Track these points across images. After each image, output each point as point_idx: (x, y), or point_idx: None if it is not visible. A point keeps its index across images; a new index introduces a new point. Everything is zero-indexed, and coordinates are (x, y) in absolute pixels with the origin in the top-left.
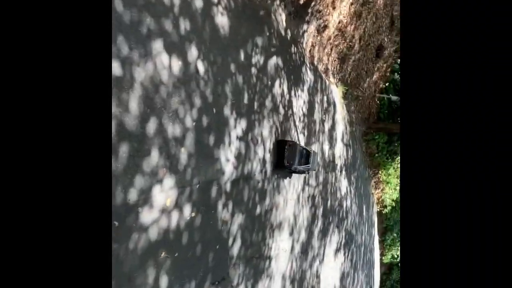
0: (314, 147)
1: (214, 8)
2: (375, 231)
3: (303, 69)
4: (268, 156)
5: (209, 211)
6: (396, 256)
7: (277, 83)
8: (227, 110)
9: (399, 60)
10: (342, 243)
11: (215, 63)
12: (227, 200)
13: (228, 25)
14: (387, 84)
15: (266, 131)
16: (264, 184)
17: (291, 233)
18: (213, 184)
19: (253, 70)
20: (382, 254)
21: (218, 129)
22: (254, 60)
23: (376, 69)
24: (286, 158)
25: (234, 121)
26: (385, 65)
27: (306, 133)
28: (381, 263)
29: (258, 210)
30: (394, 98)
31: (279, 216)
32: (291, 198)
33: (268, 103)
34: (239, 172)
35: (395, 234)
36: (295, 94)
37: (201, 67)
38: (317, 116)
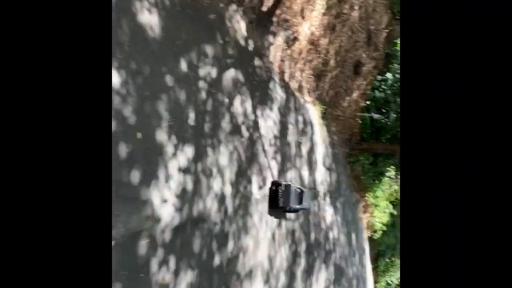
0: (290, 174)
1: (136, 3)
2: (367, 259)
3: (271, 85)
4: (229, 190)
5: (134, 275)
6: (390, 282)
7: (237, 100)
8: (161, 135)
9: (379, 76)
10: (332, 280)
11: (140, 73)
12: (166, 255)
13: (159, 26)
14: (368, 103)
15: (224, 158)
16: (224, 225)
17: (267, 281)
18: (140, 237)
19: (202, 84)
20: (376, 282)
21: (147, 160)
22: (202, 72)
23: (355, 87)
24: (281, 198)
25: (174, 148)
26: (364, 82)
27: (278, 158)
28: None
29: (216, 260)
30: (376, 116)
31: (248, 263)
32: (264, 237)
33: (225, 124)
34: (185, 214)
35: (387, 260)
36: (262, 114)
37: (115, 79)
38: (291, 138)
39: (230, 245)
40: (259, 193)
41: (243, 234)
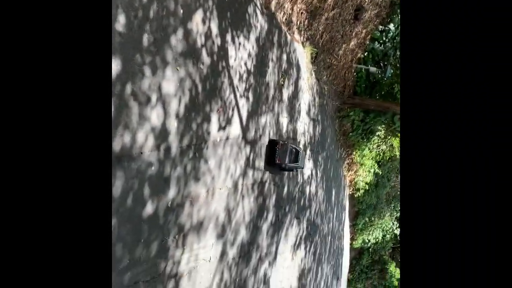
0: (265, 118)
1: None
2: (346, 216)
3: (250, 10)
4: (173, 125)
5: None
6: (367, 240)
7: (198, 15)
8: None
9: (380, 26)
10: (303, 237)
11: None
12: None
13: None
14: (365, 54)
15: (170, 85)
16: (164, 167)
17: (221, 235)
18: None
19: None
20: (352, 239)
21: None
22: None
23: (353, 34)
24: (278, 156)
25: None
26: (364, 31)
27: (251, 98)
28: (351, 248)
29: (148, 209)
30: (372, 69)
31: (197, 214)
32: (222, 186)
33: (175, 41)
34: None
35: (367, 219)
36: (233, 40)
37: None
38: (271, 78)
39: (172, 192)
40: (219, 135)
41: (192, 181)
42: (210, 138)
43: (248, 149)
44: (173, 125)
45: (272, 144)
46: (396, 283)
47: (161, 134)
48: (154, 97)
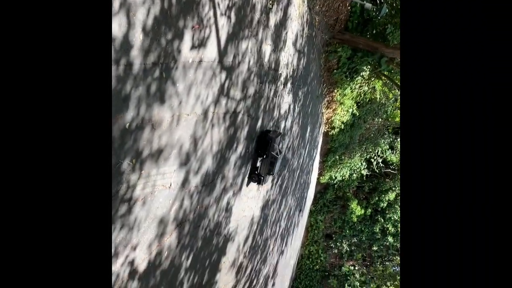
0: (246, 44)
1: None
2: (317, 153)
3: None
4: (138, 39)
5: None
6: (334, 177)
7: None
8: None
9: None
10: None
11: None
12: None
13: None
14: None
15: None
16: (123, 85)
17: (184, 163)
18: None
19: None
20: (320, 174)
21: None
22: None
23: None
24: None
25: None
26: None
27: (233, 19)
28: (318, 183)
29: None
30: (368, 6)
31: (158, 140)
32: (189, 113)
33: None
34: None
35: (337, 157)
36: None
37: None
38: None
39: (130, 113)
40: (192, 56)
41: (156, 103)
42: (181, 58)
43: (223, 75)
44: (137, 38)
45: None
46: (355, 219)
47: (122, 47)
48: (116, 3)
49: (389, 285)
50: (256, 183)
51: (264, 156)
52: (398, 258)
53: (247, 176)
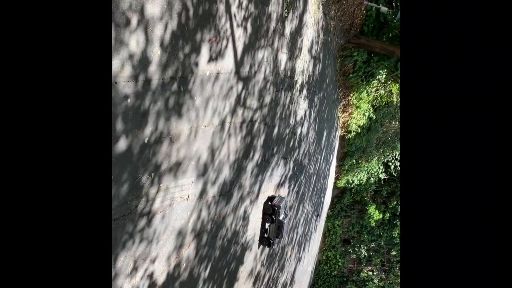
0: (263, 53)
1: None
2: (334, 157)
3: None
4: (157, 53)
5: None
6: (351, 181)
7: None
8: None
9: None
10: (288, 176)
11: None
12: None
13: None
14: None
15: (155, 7)
16: (143, 101)
17: (202, 174)
18: None
19: None
20: (337, 179)
21: None
22: None
23: None
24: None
25: None
26: None
27: (249, 29)
28: (335, 187)
29: (121, 146)
30: (383, 9)
31: (177, 153)
32: (207, 124)
33: None
34: None
35: (354, 161)
36: None
37: None
38: (273, 8)
39: (149, 128)
40: (209, 69)
41: (174, 117)
42: (198, 72)
43: (240, 85)
44: (155, 53)
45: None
46: (373, 224)
47: (141, 63)
48: (134, 20)
49: None
50: (267, 246)
51: (272, 222)
52: None
53: (258, 239)
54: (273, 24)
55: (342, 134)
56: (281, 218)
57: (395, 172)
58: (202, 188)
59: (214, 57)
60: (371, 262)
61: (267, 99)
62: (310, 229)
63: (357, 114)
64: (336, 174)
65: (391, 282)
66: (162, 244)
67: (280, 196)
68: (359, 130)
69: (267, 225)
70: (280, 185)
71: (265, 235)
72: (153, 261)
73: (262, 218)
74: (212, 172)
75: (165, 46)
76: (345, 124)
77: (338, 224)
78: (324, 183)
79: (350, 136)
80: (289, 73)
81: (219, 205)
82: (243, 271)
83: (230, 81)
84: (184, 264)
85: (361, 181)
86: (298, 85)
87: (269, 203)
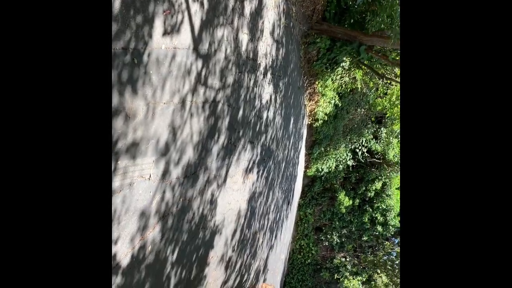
0: (222, 31)
1: None
2: (302, 145)
3: None
4: None
5: None
6: (321, 169)
7: None
8: None
9: None
10: (256, 161)
11: None
12: None
13: None
14: None
15: None
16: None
17: (163, 154)
18: None
19: None
20: (306, 167)
21: None
22: None
23: None
24: None
25: None
26: None
27: (206, 5)
28: (305, 176)
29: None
30: None
31: (134, 133)
32: (168, 101)
33: None
34: None
35: (322, 149)
36: None
37: None
38: None
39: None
40: (165, 42)
41: (127, 91)
42: (153, 44)
43: (199, 63)
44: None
45: None
46: (344, 210)
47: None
48: None
49: (379, 272)
50: None
51: None
52: (388, 246)
53: None
54: (231, 2)
55: (309, 122)
56: None
57: (362, 159)
58: (164, 168)
59: (170, 31)
60: (344, 248)
61: (230, 79)
62: (281, 217)
63: (323, 102)
64: (306, 162)
65: (363, 267)
66: (124, 225)
67: None
68: (326, 118)
69: None
70: (248, 170)
71: None
72: (115, 242)
73: None
74: (175, 152)
75: (115, 15)
76: (312, 112)
77: (309, 213)
78: (293, 170)
79: (318, 124)
80: (251, 54)
81: (184, 188)
82: (214, 256)
83: (189, 58)
84: (150, 247)
85: (330, 169)
86: (261, 68)
87: None
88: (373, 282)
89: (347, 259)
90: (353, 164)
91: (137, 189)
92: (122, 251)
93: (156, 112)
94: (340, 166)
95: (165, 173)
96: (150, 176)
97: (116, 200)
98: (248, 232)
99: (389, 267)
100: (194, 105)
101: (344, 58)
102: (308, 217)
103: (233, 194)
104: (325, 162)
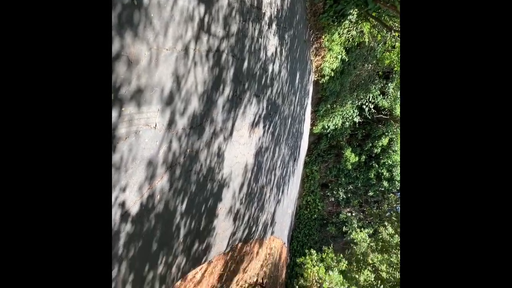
0: None
1: None
2: (308, 102)
3: None
4: None
5: None
6: (327, 126)
7: None
8: None
9: None
10: (262, 115)
11: None
12: None
13: None
14: None
15: None
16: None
17: (169, 102)
18: None
19: None
20: (313, 125)
21: None
22: None
23: None
24: None
25: None
26: None
27: None
28: (311, 133)
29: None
30: None
31: (138, 80)
32: (171, 48)
33: None
34: None
35: (329, 105)
36: None
37: None
38: None
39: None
40: None
41: (128, 33)
42: None
43: (202, 8)
44: None
45: None
46: (350, 167)
47: None
48: None
49: (386, 224)
50: None
51: None
52: (393, 199)
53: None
54: None
55: (316, 78)
56: None
57: (369, 115)
58: (170, 118)
59: None
60: (350, 204)
61: (234, 28)
62: (288, 172)
63: (329, 57)
64: (312, 120)
65: (369, 221)
66: (131, 173)
67: None
68: (332, 74)
69: None
70: (254, 124)
71: None
72: (123, 189)
73: None
74: (180, 102)
75: None
76: (318, 68)
77: (316, 170)
78: (300, 127)
79: (324, 81)
80: (255, 2)
81: (191, 139)
82: (222, 208)
83: (191, 3)
84: (158, 196)
85: (336, 126)
86: (266, 18)
87: None
88: (379, 234)
89: (353, 214)
90: (360, 120)
91: (143, 138)
92: (131, 199)
93: (160, 59)
94: (347, 123)
95: (171, 123)
96: (155, 125)
97: (123, 148)
98: (255, 186)
99: (394, 218)
100: (197, 54)
101: (351, 11)
102: (314, 174)
103: (239, 148)
104: (331, 119)
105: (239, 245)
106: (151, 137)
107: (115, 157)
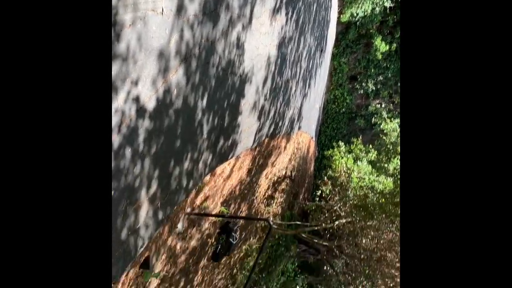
0: None
1: None
2: None
3: None
4: None
5: None
6: (355, 14)
7: None
8: None
9: None
10: (284, 1)
11: None
12: None
13: None
14: None
15: None
16: None
17: None
18: None
19: None
20: (340, 13)
21: None
22: None
23: None
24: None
25: None
26: None
27: None
28: (338, 22)
29: None
30: None
31: None
32: None
33: None
34: None
35: None
36: None
37: None
38: None
39: None
40: None
41: None
42: None
43: None
44: None
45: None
46: (380, 56)
47: None
48: None
49: None
50: (214, 259)
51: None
52: None
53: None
54: None
55: None
56: (231, 239)
57: None
58: (178, 2)
59: None
60: (379, 95)
61: None
62: (314, 65)
63: None
64: (339, 8)
65: (399, 112)
66: (142, 64)
67: (235, 223)
68: None
69: (219, 243)
70: (275, 10)
71: (217, 251)
72: (135, 83)
73: (218, 234)
74: None
75: None
76: None
77: (344, 62)
78: (326, 14)
79: None
80: None
81: (205, 27)
82: (246, 103)
83: None
84: (175, 91)
85: (366, 13)
86: None
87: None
88: None
89: (383, 106)
90: (391, 5)
91: (151, 25)
92: (145, 94)
93: None
94: (377, 8)
95: (180, 8)
96: (162, 10)
97: (129, 36)
98: (279, 80)
99: None
100: None
101: None
102: (343, 66)
103: (260, 38)
104: (360, 5)
105: (266, 140)
106: (158, 24)
107: (121, 47)
